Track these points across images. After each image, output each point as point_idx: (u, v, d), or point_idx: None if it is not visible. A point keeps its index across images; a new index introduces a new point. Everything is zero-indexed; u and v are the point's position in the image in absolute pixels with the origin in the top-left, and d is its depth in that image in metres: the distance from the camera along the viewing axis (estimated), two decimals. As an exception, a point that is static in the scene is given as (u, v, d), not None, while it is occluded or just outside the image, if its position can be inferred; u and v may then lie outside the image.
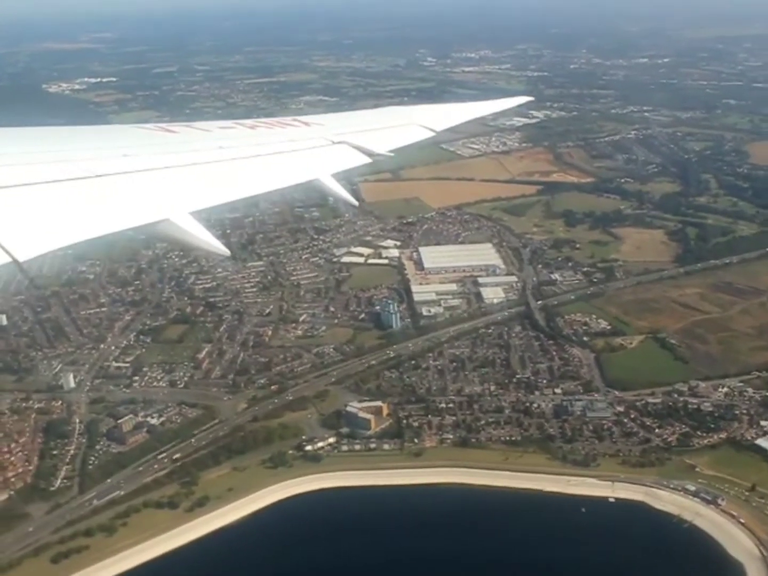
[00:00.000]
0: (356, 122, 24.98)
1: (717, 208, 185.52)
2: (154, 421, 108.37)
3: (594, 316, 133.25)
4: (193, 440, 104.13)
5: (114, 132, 20.50)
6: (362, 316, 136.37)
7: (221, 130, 20.18)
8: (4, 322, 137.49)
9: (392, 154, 20.93)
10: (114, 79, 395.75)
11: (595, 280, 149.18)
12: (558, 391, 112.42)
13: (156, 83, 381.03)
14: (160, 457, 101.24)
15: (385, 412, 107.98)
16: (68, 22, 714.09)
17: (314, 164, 18.22)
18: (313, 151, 19.24)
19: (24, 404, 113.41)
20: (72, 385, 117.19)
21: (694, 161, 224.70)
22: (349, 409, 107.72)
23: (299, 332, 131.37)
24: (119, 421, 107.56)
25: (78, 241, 11.12)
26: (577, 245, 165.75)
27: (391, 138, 22.55)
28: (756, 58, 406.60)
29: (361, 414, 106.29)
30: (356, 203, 19.07)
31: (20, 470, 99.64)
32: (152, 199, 13.46)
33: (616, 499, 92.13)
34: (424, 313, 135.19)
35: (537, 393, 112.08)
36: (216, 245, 12.90)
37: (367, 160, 19.87)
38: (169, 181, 14.50)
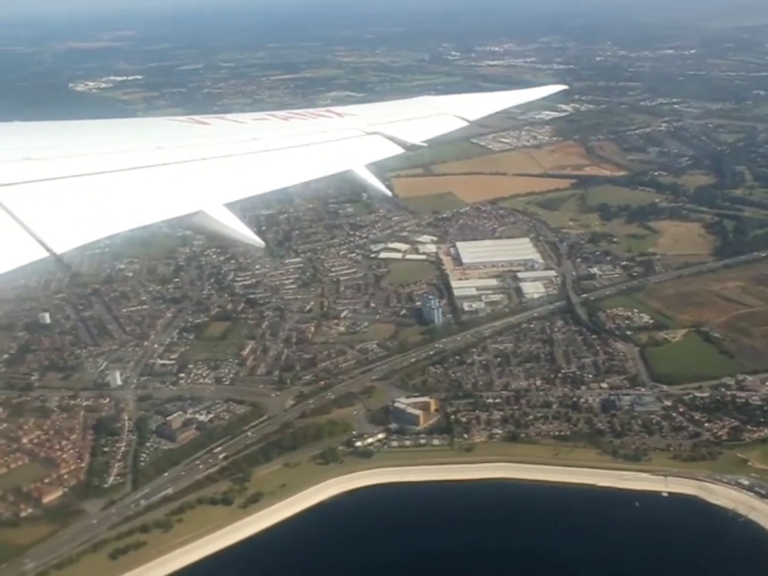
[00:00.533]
0: (389, 112, 24.76)
1: (753, 200, 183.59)
2: (202, 418, 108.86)
3: (636, 310, 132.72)
4: (242, 437, 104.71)
5: (147, 124, 20.43)
6: (403, 311, 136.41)
7: (255, 122, 20.26)
8: (48, 320, 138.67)
9: (426, 144, 20.79)
10: (140, 77, 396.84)
11: (634, 274, 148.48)
12: (604, 385, 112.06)
13: (182, 81, 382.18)
14: (210, 453, 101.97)
15: (432, 407, 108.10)
16: (87, 21, 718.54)
17: (348, 155, 18.28)
18: (346, 142, 19.24)
19: (72, 402, 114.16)
20: (119, 382, 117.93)
21: (728, 153, 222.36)
22: (396, 404, 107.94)
23: (341, 328, 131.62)
24: (168, 418, 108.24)
25: (113, 233, 11.24)
26: (615, 239, 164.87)
27: (425, 128, 22.44)
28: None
29: (410, 409, 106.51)
30: (390, 194, 18.94)
31: (72, 467, 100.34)
32: (186, 191, 13.58)
33: (670, 493, 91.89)
34: (466, 308, 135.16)
35: (583, 388, 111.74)
36: (250, 236, 13.00)
37: (401, 150, 19.76)
38: (203, 172, 14.59)
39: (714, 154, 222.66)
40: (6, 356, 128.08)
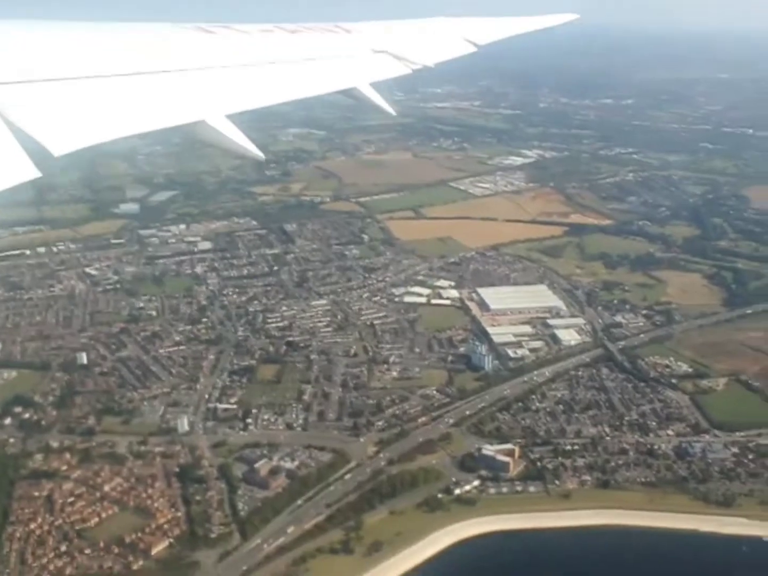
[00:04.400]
0: (399, 31, 24.69)
1: (741, 252, 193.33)
2: (289, 465, 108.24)
3: (672, 359, 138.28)
4: (336, 484, 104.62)
5: (152, 31, 19.35)
6: (450, 357, 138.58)
7: (261, 33, 19.53)
8: (84, 360, 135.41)
9: (433, 66, 21.21)
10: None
11: (657, 323, 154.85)
12: (670, 432, 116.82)
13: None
14: (310, 501, 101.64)
15: (517, 454, 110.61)
16: None
17: (354, 72, 18.11)
18: (353, 59, 19.08)
19: (143, 448, 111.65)
20: (186, 427, 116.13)
21: (701, 205, 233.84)
22: (484, 452, 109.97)
23: (394, 374, 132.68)
24: (256, 466, 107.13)
25: (114, 137, 11.09)
26: (626, 288, 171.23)
27: (434, 50, 22.61)
28: (714, 102, 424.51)
29: (499, 456, 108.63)
30: (394, 113, 18.36)
31: (169, 517, 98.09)
32: (188, 99, 13.38)
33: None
34: (511, 354, 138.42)
35: (651, 435, 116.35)
36: (251, 149, 13.09)
37: (407, 71, 19.72)
38: (206, 82, 14.34)
39: (689, 206, 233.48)
40: (51, 398, 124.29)
